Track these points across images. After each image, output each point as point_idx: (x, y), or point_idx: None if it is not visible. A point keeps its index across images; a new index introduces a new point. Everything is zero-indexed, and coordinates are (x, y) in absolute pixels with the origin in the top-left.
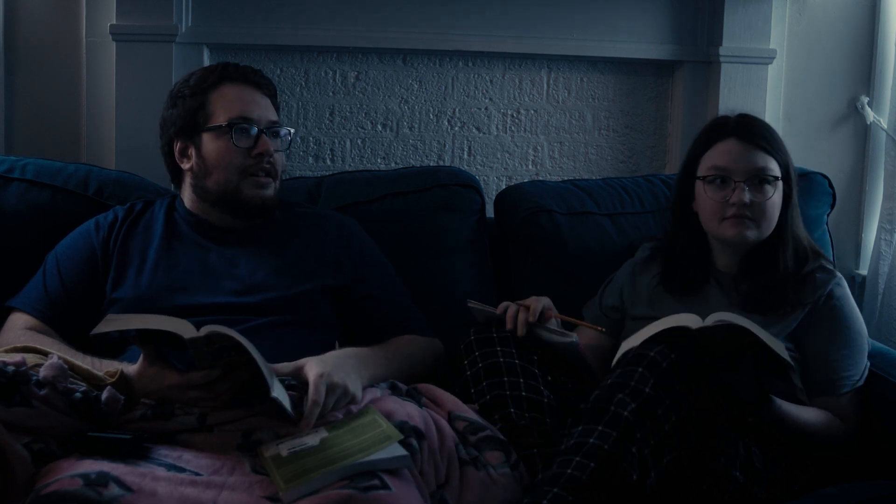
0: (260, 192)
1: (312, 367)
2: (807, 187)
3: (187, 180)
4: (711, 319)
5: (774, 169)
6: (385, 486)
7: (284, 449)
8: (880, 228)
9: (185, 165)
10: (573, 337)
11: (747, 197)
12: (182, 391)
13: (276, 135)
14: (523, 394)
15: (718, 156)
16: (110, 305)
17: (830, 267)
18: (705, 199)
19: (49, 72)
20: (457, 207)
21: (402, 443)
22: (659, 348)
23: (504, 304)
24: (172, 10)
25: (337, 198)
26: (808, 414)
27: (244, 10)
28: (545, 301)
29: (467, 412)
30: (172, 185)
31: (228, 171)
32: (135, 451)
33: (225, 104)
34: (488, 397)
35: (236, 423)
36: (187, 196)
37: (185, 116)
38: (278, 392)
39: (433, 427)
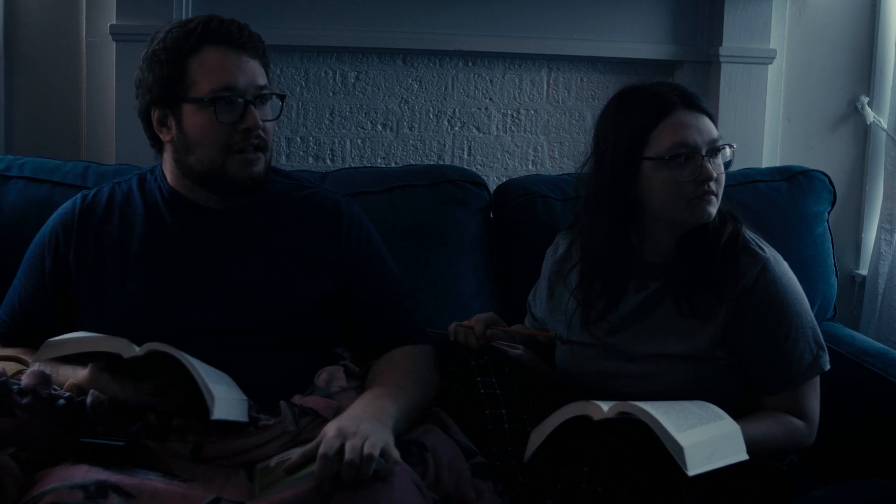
0: (248, 169)
1: (330, 426)
2: (807, 184)
3: (169, 151)
4: (614, 411)
5: (719, 134)
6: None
7: (274, 459)
8: (880, 228)
9: (165, 137)
10: (520, 349)
11: (714, 172)
12: (135, 397)
13: (266, 101)
14: (506, 426)
15: (675, 131)
16: (99, 313)
17: (755, 247)
18: (664, 181)
19: (49, 72)
20: (466, 202)
21: (402, 453)
22: (597, 439)
23: (452, 325)
24: (172, 10)
25: (344, 187)
26: (763, 430)
27: (244, 11)
28: (487, 318)
29: (461, 435)
30: (154, 152)
31: (212, 148)
32: (128, 457)
33: (206, 72)
34: (470, 433)
35: (235, 458)
36: (169, 169)
37: (163, 84)
38: (220, 411)
39: (442, 441)
